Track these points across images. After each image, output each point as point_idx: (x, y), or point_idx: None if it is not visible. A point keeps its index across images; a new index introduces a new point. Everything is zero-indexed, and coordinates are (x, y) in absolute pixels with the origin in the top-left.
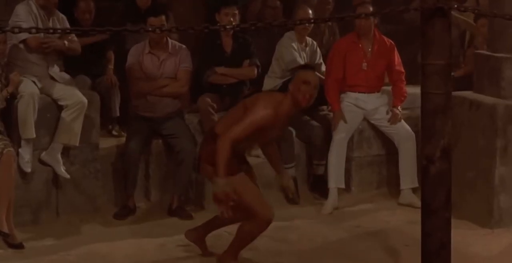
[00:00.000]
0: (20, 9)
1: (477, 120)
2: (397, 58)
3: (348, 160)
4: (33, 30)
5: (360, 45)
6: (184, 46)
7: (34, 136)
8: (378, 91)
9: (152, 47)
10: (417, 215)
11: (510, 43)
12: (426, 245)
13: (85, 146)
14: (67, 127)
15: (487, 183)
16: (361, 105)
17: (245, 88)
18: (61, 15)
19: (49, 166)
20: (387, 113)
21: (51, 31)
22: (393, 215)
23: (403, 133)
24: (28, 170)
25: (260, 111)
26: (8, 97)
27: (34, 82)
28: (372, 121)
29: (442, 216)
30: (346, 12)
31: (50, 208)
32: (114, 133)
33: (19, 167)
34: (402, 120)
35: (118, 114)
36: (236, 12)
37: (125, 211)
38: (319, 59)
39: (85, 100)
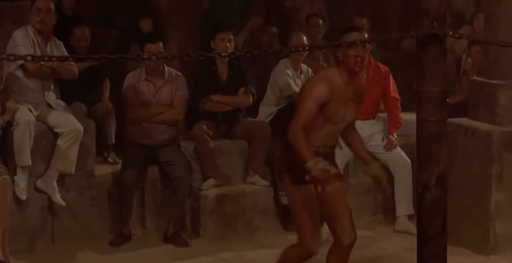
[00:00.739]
0: (18, 35)
1: (473, 147)
2: (392, 85)
3: None
4: (29, 58)
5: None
6: (180, 73)
7: (30, 163)
8: (373, 118)
9: (149, 74)
10: (413, 242)
11: (505, 70)
12: None
13: (81, 173)
14: (62, 154)
15: (483, 209)
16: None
17: (241, 116)
18: (58, 41)
19: (45, 193)
20: (383, 140)
21: (47, 58)
22: (389, 242)
23: (399, 160)
24: (24, 197)
25: (313, 88)
26: (4, 125)
27: (30, 110)
28: (368, 148)
29: (438, 243)
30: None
31: (45, 235)
32: (109, 160)
33: (14, 194)
34: (398, 147)
35: (113, 141)
36: (231, 37)
37: (120, 239)
38: None
39: (81, 128)
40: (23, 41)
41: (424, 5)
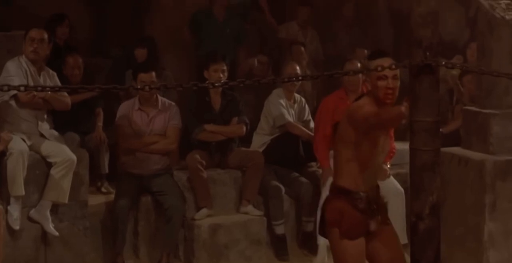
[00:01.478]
0: (10, 65)
1: (466, 176)
2: None
3: None
4: (22, 88)
5: (348, 102)
6: (173, 103)
7: (23, 193)
8: None
9: (142, 103)
10: None
11: (498, 99)
12: None
13: (74, 203)
14: (56, 184)
15: (476, 238)
16: None
17: (234, 145)
18: (51, 71)
19: (38, 223)
20: None
21: (40, 88)
22: None
23: (392, 189)
24: (17, 227)
25: (362, 108)
26: None
27: (23, 139)
28: None
29: None
30: (334, 69)
31: None
32: (103, 190)
33: (7, 224)
34: (391, 177)
35: (107, 171)
36: (225, 68)
37: None
38: (307, 116)
39: (74, 158)
40: (15, 71)
41: (417, 36)
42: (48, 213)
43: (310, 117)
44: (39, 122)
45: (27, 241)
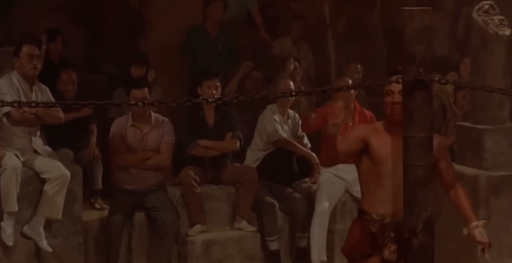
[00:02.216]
0: (2, 83)
1: None
2: None
3: (331, 232)
4: (16, 104)
5: None
6: (167, 119)
7: (17, 209)
8: None
9: (135, 120)
10: None
11: (491, 114)
12: None
13: (68, 219)
14: (49, 200)
15: (470, 254)
16: (341, 176)
17: (228, 161)
18: (43, 86)
19: (32, 239)
20: None
21: (33, 104)
22: None
23: None
24: (10, 243)
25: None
26: None
27: (17, 155)
28: (354, 194)
29: None
30: (327, 85)
31: None
32: (96, 206)
33: (1, 240)
34: None
35: (100, 187)
36: (218, 84)
37: None
38: (301, 131)
39: (68, 174)
40: (7, 89)
41: (411, 51)
42: (41, 229)
43: (304, 133)
44: (33, 138)
45: (20, 257)
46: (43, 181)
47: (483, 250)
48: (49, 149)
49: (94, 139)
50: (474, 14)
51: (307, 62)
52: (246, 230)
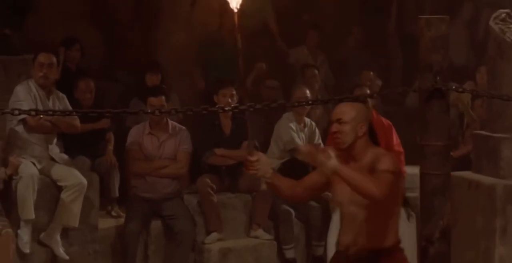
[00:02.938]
0: (19, 90)
1: (476, 201)
2: (395, 139)
3: None
4: (33, 112)
5: None
6: (184, 127)
7: (33, 217)
8: None
9: (152, 128)
10: None
11: (508, 123)
12: None
13: (84, 226)
14: (66, 208)
15: None
16: None
17: (244, 170)
18: (61, 94)
19: (48, 247)
20: None
21: (51, 113)
22: None
23: (402, 213)
24: (27, 251)
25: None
26: (7, 179)
27: (33, 163)
28: None
29: None
30: (343, 93)
31: None
32: (113, 213)
33: (17, 248)
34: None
35: (117, 195)
36: (234, 92)
37: None
38: (317, 139)
39: (85, 181)
40: (24, 96)
41: (427, 60)
42: (58, 237)
43: (320, 141)
44: (49, 146)
45: None
46: (60, 189)
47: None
48: (66, 156)
49: (111, 147)
50: (491, 23)
51: (324, 71)
52: (262, 238)
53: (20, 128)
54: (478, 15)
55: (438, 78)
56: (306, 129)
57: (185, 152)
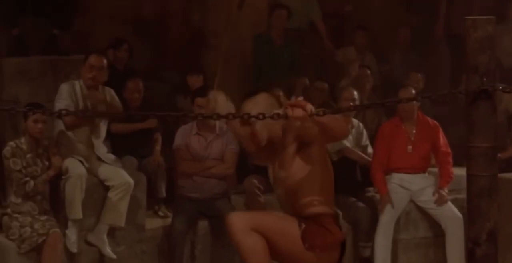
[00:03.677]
0: (63, 88)
1: None
2: (442, 139)
3: (395, 242)
4: (80, 114)
5: (404, 128)
6: None
7: (81, 216)
8: (423, 172)
9: (200, 128)
10: None
11: None
12: None
13: (131, 226)
14: (113, 208)
15: None
16: (406, 186)
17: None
18: (108, 88)
19: (95, 246)
20: (433, 195)
21: (89, 113)
22: None
23: (450, 215)
24: (75, 250)
25: None
26: (50, 180)
27: (81, 162)
28: (419, 203)
29: None
30: (390, 94)
31: None
32: (160, 213)
33: (65, 247)
34: (449, 202)
35: (164, 195)
36: (281, 93)
37: None
38: (365, 140)
39: (132, 181)
40: (66, 94)
41: (474, 61)
42: (105, 237)
43: (368, 142)
44: (96, 146)
45: None
46: (107, 188)
47: None
48: (113, 156)
49: (158, 147)
50: None
51: (372, 72)
52: None
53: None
54: None
55: (484, 79)
56: (353, 130)
57: (232, 152)
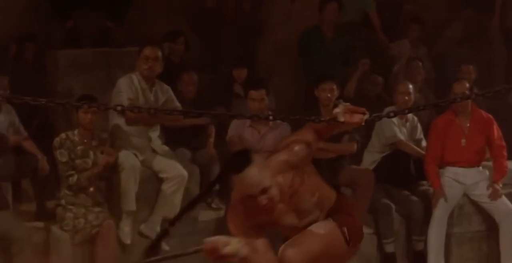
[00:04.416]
0: (122, 82)
1: None
2: (496, 133)
3: (448, 235)
4: (136, 110)
5: (458, 122)
6: None
7: (135, 208)
8: (478, 166)
9: (253, 121)
10: None
11: None
12: None
13: (185, 218)
14: (167, 200)
15: None
16: (460, 180)
17: (345, 163)
18: (165, 86)
19: (148, 238)
20: (487, 189)
21: (152, 111)
22: None
23: (504, 209)
24: (128, 241)
25: None
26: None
27: (135, 155)
28: (472, 197)
29: None
30: (443, 89)
31: None
32: (213, 206)
33: (118, 238)
34: (503, 196)
35: (217, 187)
36: (334, 87)
37: None
38: (419, 134)
39: (186, 173)
40: (125, 88)
41: None
42: (158, 228)
43: (422, 136)
44: (152, 138)
45: (137, 255)
46: (161, 181)
47: None
48: (167, 148)
49: (211, 140)
50: None
51: (425, 65)
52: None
53: (121, 120)
54: None
55: None
56: (408, 124)
57: None
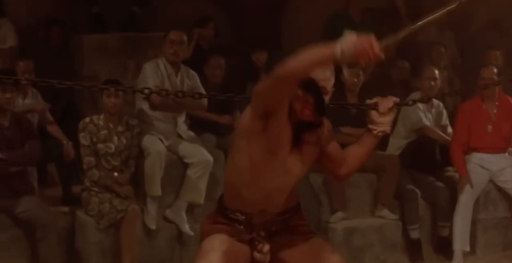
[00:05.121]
0: (147, 67)
1: None
2: None
3: (474, 221)
4: (164, 92)
5: (484, 108)
6: None
7: (160, 193)
8: (504, 152)
9: None
10: None
11: None
12: None
13: (210, 203)
14: (192, 185)
15: None
16: (486, 166)
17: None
18: (191, 72)
19: (174, 223)
20: None
21: (180, 94)
22: None
23: None
24: (153, 226)
25: None
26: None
27: (161, 140)
28: (498, 183)
29: None
30: (470, 73)
31: None
32: None
33: (144, 223)
34: None
35: None
36: (360, 72)
37: None
38: (445, 120)
39: (211, 159)
40: (151, 73)
41: None
42: (183, 213)
43: (447, 122)
44: (177, 123)
45: (162, 240)
46: (186, 166)
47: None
48: (192, 133)
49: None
50: None
51: (451, 50)
52: (387, 218)
53: (146, 105)
54: None
55: None
56: (433, 109)
57: None
